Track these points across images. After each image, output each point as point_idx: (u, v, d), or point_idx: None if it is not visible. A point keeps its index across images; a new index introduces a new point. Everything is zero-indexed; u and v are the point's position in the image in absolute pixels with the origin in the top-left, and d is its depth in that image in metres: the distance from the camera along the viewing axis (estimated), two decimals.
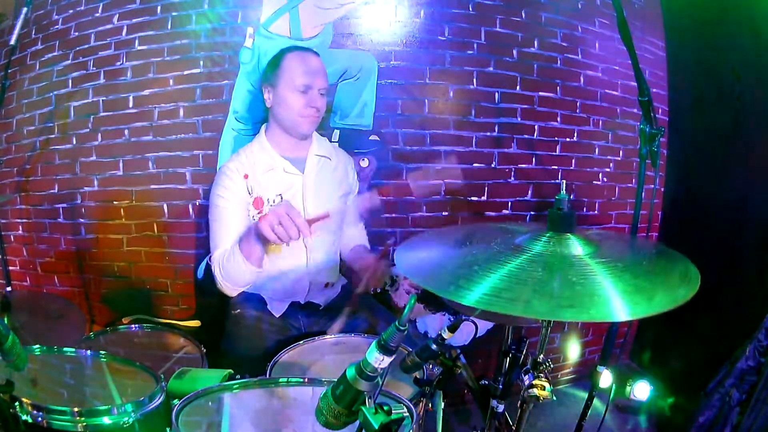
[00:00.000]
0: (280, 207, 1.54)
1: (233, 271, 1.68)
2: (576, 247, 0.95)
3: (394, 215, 2.45)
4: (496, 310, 0.81)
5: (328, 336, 1.66)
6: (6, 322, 1.63)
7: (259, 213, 1.77)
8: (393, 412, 0.81)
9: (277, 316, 1.84)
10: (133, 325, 1.83)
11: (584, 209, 2.69)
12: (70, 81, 2.37)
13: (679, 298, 0.82)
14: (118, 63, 2.32)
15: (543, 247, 0.96)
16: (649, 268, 0.94)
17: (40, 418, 1.07)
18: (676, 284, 0.87)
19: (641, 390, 2.44)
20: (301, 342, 1.60)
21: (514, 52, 2.47)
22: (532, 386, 1.01)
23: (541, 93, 2.53)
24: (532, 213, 2.59)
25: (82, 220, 2.44)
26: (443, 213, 2.48)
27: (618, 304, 0.82)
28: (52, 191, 2.46)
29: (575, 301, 0.82)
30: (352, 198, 2.04)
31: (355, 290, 1.80)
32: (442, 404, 1.45)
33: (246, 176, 1.77)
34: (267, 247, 1.65)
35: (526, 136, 2.53)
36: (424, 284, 0.92)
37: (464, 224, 2.49)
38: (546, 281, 0.87)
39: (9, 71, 2.15)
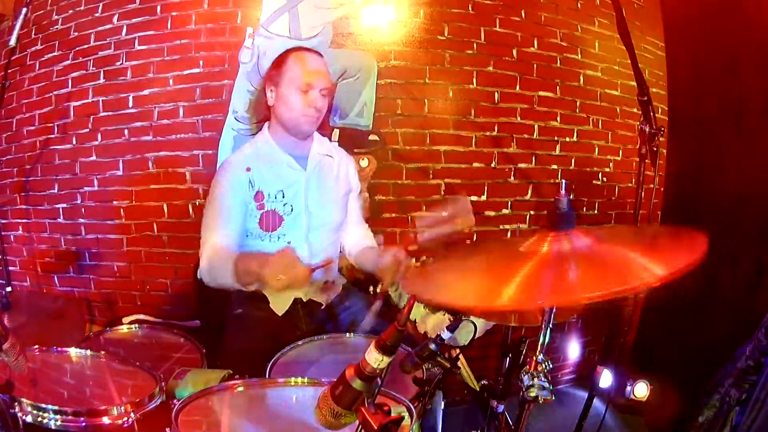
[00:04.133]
0: (283, 257, 1.48)
1: (221, 277, 1.66)
2: (578, 240, 0.95)
3: (393, 215, 2.45)
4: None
5: (327, 336, 1.66)
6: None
7: (259, 207, 1.77)
8: (392, 412, 0.81)
9: (280, 314, 1.84)
10: (133, 325, 1.82)
11: (584, 209, 2.69)
12: (70, 81, 2.37)
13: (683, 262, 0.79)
14: (118, 63, 2.32)
15: (546, 248, 0.95)
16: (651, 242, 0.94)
17: (40, 418, 1.07)
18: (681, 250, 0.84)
19: (641, 390, 2.43)
20: (301, 342, 1.60)
21: (514, 51, 2.47)
22: (532, 386, 1.00)
23: (540, 92, 2.53)
24: (532, 213, 2.59)
25: (82, 220, 2.44)
26: (443, 213, 2.48)
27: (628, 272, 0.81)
28: (52, 191, 2.46)
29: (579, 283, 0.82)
30: (354, 196, 2.03)
31: (382, 288, 1.78)
32: (442, 404, 1.45)
33: (248, 169, 1.76)
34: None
35: (525, 135, 2.53)
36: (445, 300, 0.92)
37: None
38: (550, 274, 0.87)
39: (9, 71, 2.15)
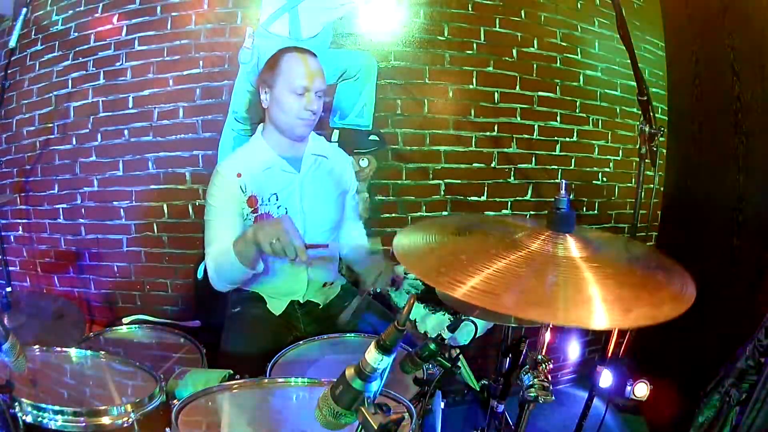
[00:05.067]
0: (280, 222, 1.50)
1: (225, 268, 1.67)
2: (570, 248, 0.94)
3: (393, 215, 2.45)
4: (470, 301, 0.79)
5: (327, 336, 1.66)
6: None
7: (253, 211, 1.77)
8: (392, 412, 0.81)
9: (277, 315, 1.84)
10: (133, 325, 1.83)
11: (584, 209, 2.69)
12: (70, 81, 2.37)
13: (660, 316, 0.78)
14: (118, 63, 2.32)
15: (538, 246, 0.94)
16: (640, 280, 0.91)
17: (40, 418, 1.07)
18: (663, 300, 0.83)
19: (641, 390, 2.44)
20: (301, 342, 1.60)
21: (514, 51, 2.47)
22: (532, 386, 1.01)
23: (540, 93, 2.53)
24: (532, 213, 2.59)
25: (82, 220, 2.44)
26: (443, 213, 2.49)
27: (590, 310, 0.79)
28: (52, 191, 2.46)
29: (545, 301, 0.80)
30: (351, 196, 2.03)
31: (362, 289, 1.79)
32: (442, 404, 1.45)
33: (239, 175, 1.75)
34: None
35: (525, 135, 2.54)
36: (411, 269, 0.91)
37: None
38: (527, 278, 0.86)
39: (9, 71, 2.15)
